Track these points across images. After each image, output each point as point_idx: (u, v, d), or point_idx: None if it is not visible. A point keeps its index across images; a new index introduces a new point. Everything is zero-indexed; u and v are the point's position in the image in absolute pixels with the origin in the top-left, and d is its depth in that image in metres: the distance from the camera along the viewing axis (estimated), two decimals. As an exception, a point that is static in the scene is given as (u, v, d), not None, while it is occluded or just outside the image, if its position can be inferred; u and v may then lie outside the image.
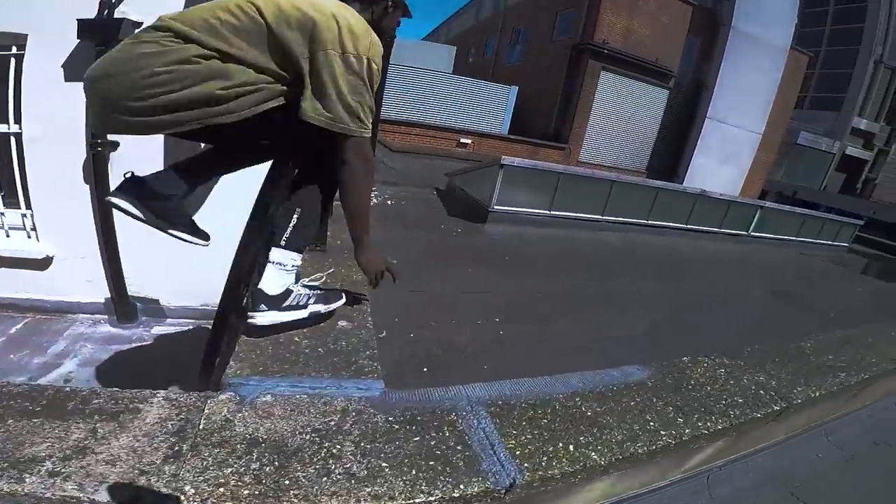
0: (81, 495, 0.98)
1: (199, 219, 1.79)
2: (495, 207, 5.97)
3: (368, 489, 1.08)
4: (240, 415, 1.26)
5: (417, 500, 1.09)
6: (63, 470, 1.02)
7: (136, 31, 1.55)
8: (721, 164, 18.80)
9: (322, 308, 1.82)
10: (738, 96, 18.11)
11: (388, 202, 6.65)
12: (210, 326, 1.69)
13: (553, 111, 17.52)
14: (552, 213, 6.30)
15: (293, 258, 1.72)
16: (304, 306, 1.75)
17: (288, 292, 1.70)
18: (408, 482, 1.13)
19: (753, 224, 8.73)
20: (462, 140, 15.33)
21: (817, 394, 1.86)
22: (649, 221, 7.05)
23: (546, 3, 19.11)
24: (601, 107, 17.03)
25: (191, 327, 3.36)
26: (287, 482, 1.07)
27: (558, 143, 16.93)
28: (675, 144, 18.75)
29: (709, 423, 1.52)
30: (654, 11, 16.66)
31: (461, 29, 30.04)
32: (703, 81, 18.26)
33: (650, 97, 17.82)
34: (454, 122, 15.78)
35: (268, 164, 1.74)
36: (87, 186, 3.03)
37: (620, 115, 17.53)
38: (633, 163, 18.41)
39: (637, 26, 16.53)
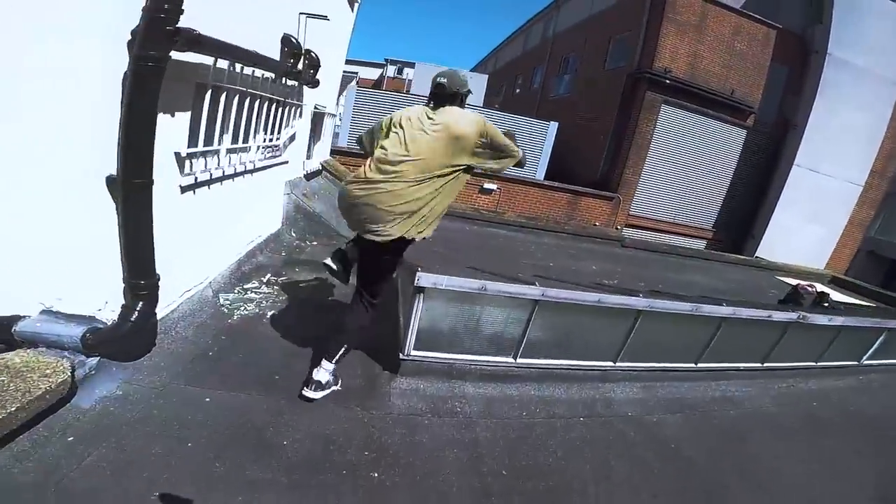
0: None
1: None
2: (412, 354, 3.48)
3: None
4: None
5: None
6: None
7: None
8: (808, 222, 15.25)
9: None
10: (835, 139, 14.65)
11: (282, 306, 4.29)
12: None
13: (602, 152, 14.77)
14: (519, 362, 3.72)
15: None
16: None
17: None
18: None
19: (871, 352, 5.74)
20: (486, 186, 12.84)
21: None
22: (699, 365, 4.30)
23: (599, 27, 16.56)
24: (660, 147, 14.11)
25: None
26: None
27: (606, 191, 14.10)
28: (751, 196, 15.42)
29: None
30: (728, 36, 13.65)
31: (510, 58, 27.89)
32: (791, 120, 14.94)
33: (723, 138, 14.69)
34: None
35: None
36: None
37: (684, 159, 14.49)
38: (698, 218, 15.22)
39: (706, 53, 13.59)
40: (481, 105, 15.04)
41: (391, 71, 31.86)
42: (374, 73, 33.54)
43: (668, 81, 13.23)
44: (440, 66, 18.16)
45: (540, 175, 13.92)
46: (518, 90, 24.48)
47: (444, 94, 2.64)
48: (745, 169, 15.14)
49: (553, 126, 13.79)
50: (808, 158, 14.65)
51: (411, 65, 15.32)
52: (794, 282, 10.47)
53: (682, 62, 13.34)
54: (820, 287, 9.51)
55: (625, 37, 14.74)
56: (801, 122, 14.60)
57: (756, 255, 14.93)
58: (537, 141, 13.75)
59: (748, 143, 14.93)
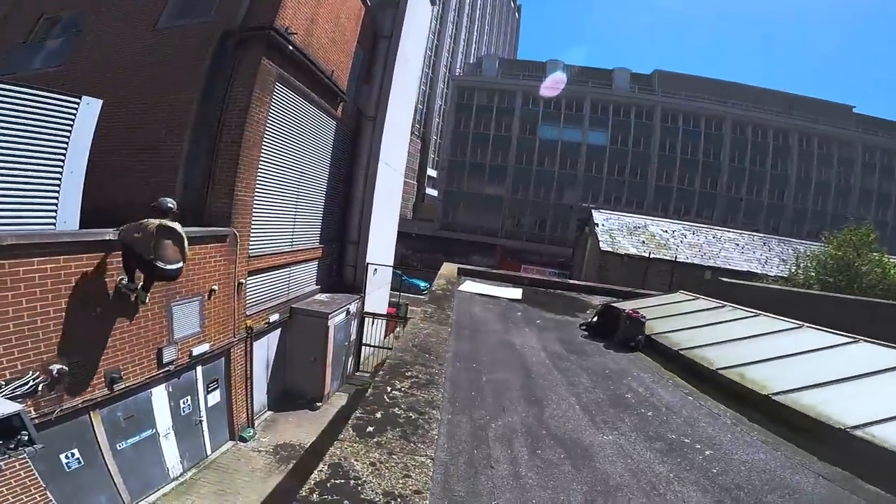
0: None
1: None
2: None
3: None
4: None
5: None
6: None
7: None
8: (386, 220, 14.31)
9: None
10: (393, 130, 13.90)
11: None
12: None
13: (178, 163, 8.17)
14: None
15: None
16: None
17: None
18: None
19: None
20: None
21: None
22: None
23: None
24: (272, 146, 9.16)
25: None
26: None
27: (212, 226, 8.02)
28: (343, 199, 12.79)
29: None
30: (339, 3, 10.00)
31: None
32: (364, 111, 12.96)
33: (320, 130, 11.09)
34: None
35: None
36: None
37: (293, 161, 10.10)
38: (308, 237, 11.30)
39: (322, 19, 9.47)
40: None
41: None
42: None
43: (290, 48, 8.41)
44: None
45: (69, 220, 5.97)
46: None
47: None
48: (336, 167, 12.25)
49: (95, 105, 6.15)
50: (385, 153, 13.29)
51: None
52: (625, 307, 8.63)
53: (301, 25, 8.71)
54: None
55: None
56: (377, 113, 12.91)
57: (367, 262, 12.76)
58: (52, 139, 5.82)
59: (337, 136, 11.99)
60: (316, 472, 1.95)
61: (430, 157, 51.40)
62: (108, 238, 5.74)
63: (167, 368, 7.21)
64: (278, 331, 10.55)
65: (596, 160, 40.31)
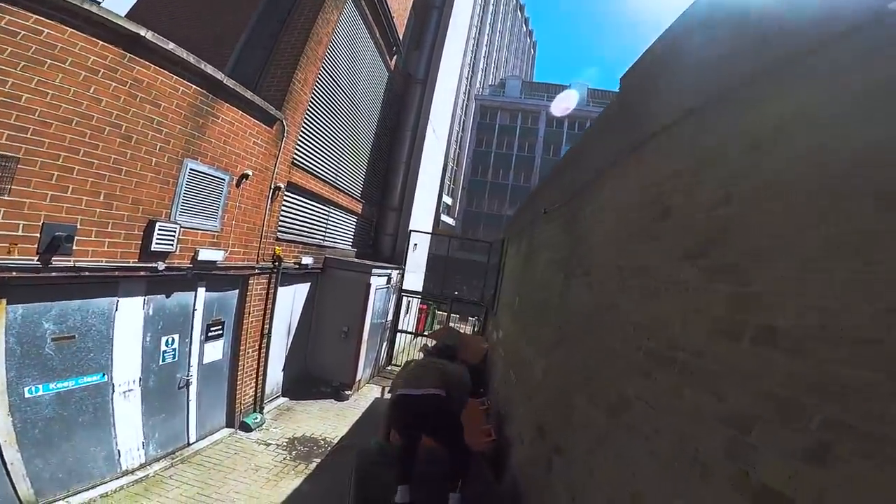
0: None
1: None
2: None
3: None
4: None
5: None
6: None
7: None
8: (427, 189, 13.10)
9: None
10: (441, 98, 12.90)
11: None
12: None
13: (239, 33, 7.21)
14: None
15: None
16: None
17: None
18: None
19: None
20: None
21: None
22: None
23: None
24: (332, 62, 8.11)
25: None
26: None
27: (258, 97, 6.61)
28: (383, 159, 11.63)
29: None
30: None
31: None
32: (414, 75, 12.07)
33: (374, 74, 10.14)
34: None
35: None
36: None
37: (345, 91, 9.02)
38: (350, 183, 10.04)
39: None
40: None
41: None
42: None
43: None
44: None
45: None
46: None
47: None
48: (383, 124, 11.19)
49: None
50: (433, 116, 12.33)
51: None
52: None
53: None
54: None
55: None
56: (427, 75, 12.09)
57: (409, 229, 11.42)
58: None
59: (387, 90, 11.02)
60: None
61: (446, 183, 50.45)
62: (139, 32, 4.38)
63: (154, 264, 4.60)
64: (307, 285, 8.65)
65: (620, 184, 39.57)
